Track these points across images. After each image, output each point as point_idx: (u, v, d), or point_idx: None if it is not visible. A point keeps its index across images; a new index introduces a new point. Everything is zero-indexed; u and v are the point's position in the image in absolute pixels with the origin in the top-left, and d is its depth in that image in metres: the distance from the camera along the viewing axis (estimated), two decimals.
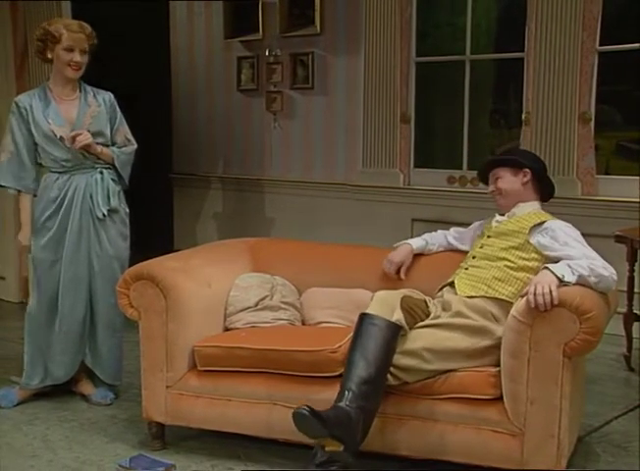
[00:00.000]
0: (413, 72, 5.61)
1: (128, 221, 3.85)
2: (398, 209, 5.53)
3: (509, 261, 3.12)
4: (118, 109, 3.83)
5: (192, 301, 3.24)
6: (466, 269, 3.21)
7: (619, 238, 4.20)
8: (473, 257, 3.24)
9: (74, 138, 3.62)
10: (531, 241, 3.13)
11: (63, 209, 3.71)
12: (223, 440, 3.30)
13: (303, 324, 3.52)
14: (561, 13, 4.86)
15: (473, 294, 3.08)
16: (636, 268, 4.22)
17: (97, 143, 3.70)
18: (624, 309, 4.20)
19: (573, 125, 4.90)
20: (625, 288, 4.18)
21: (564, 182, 4.84)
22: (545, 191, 3.32)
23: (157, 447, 3.29)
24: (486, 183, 3.39)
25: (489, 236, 3.26)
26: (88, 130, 3.67)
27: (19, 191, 3.77)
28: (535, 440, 2.79)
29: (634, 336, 4.31)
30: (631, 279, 4.23)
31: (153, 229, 6.33)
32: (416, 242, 3.51)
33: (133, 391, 3.82)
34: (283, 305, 3.47)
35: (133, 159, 3.86)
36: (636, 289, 4.27)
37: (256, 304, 3.43)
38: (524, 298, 2.81)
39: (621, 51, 4.84)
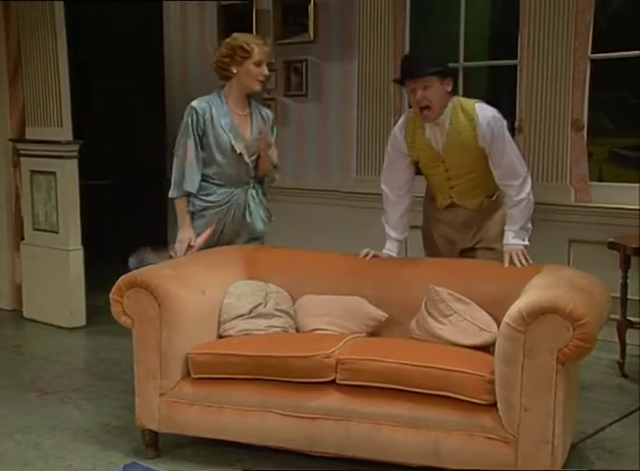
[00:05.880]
0: None
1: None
2: None
3: (478, 171, 3.47)
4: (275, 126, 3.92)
5: (186, 309, 3.24)
6: (451, 188, 3.54)
7: (613, 245, 4.22)
8: (449, 179, 3.52)
9: (261, 141, 3.70)
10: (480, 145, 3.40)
11: (221, 217, 3.78)
12: (217, 447, 3.30)
13: (297, 331, 3.51)
14: (554, 21, 4.87)
15: (477, 202, 3.53)
16: (629, 274, 4.22)
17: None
18: (618, 316, 4.21)
19: (566, 132, 4.91)
20: (619, 295, 4.19)
21: (558, 188, 4.86)
22: None
23: (151, 456, 3.28)
24: (402, 83, 3.44)
25: (443, 161, 3.48)
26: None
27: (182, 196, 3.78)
28: (529, 446, 2.79)
29: (628, 342, 4.31)
30: (625, 285, 4.23)
31: (147, 236, 6.31)
32: (394, 249, 3.64)
33: (126, 398, 3.81)
34: (276, 313, 3.47)
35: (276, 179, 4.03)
36: (629, 296, 4.28)
37: (250, 312, 3.42)
38: (517, 305, 2.81)
39: (613, 59, 4.86)
